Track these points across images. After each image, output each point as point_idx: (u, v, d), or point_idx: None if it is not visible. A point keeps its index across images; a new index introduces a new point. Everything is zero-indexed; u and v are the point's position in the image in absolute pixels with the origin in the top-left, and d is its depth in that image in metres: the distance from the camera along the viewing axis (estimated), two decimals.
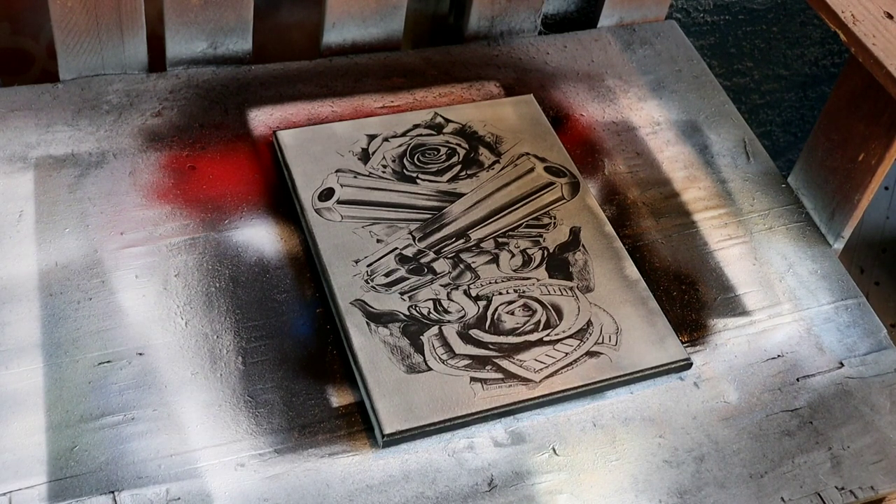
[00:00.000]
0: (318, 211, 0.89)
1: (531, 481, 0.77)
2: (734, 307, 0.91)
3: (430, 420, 0.77)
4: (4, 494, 0.70)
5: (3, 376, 0.76)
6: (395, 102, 1.02)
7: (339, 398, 0.79)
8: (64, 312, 0.80)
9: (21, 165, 0.89)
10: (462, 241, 0.89)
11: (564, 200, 0.94)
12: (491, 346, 0.82)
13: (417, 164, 0.95)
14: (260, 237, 0.88)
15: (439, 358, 0.80)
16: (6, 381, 0.75)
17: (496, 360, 0.81)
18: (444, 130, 0.99)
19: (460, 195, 0.93)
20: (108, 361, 0.78)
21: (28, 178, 0.88)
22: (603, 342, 0.84)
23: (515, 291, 0.86)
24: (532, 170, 0.97)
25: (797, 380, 0.87)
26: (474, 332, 0.83)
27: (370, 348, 0.80)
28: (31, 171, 0.89)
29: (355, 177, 0.93)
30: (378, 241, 0.88)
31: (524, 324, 0.84)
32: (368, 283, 0.84)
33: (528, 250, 0.89)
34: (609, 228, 0.93)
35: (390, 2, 1.05)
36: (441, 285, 0.85)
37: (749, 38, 1.46)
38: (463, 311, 0.84)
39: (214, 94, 0.99)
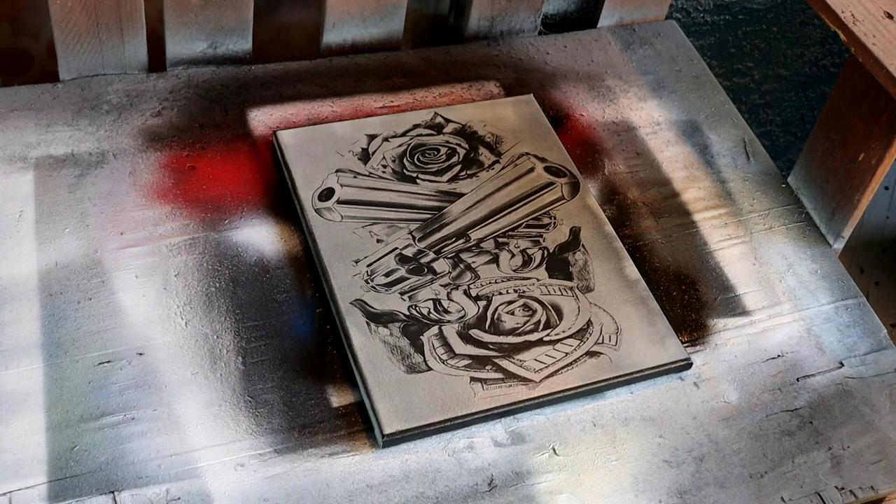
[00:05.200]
0: (318, 211, 0.89)
1: (531, 481, 0.77)
2: (734, 307, 0.91)
3: (430, 420, 0.77)
4: (4, 494, 0.70)
5: (3, 376, 0.76)
6: (395, 102, 1.02)
7: (339, 398, 0.79)
8: (64, 312, 0.80)
9: (21, 165, 0.89)
10: (462, 241, 0.89)
11: (564, 200, 0.94)
12: (491, 346, 0.82)
13: (417, 164, 0.95)
14: (260, 237, 0.88)
15: (439, 358, 0.80)
16: (6, 381, 0.75)
17: (496, 360, 0.81)
18: (444, 130, 0.99)
19: (460, 195, 0.93)
20: (108, 361, 0.78)
21: (28, 178, 0.88)
22: (603, 342, 0.84)
23: (515, 291, 0.86)
24: (532, 170, 0.97)
25: (797, 380, 0.87)
26: (474, 332, 0.83)
27: (370, 348, 0.80)
28: (31, 171, 0.89)
29: (355, 177, 0.93)
30: (378, 241, 0.88)
31: (524, 324, 0.84)
32: (368, 283, 0.84)
33: (528, 250, 0.89)
34: (609, 228, 0.93)
35: (390, 2, 1.05)
36: (441, 285, 0.85)
37: (749, 38, 1.46)
38: (463, 311, 0.84)
39: (214, 94, 0.99)
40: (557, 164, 0.97)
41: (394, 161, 0.95)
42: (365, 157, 0.94)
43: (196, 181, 0.91)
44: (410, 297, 0.84)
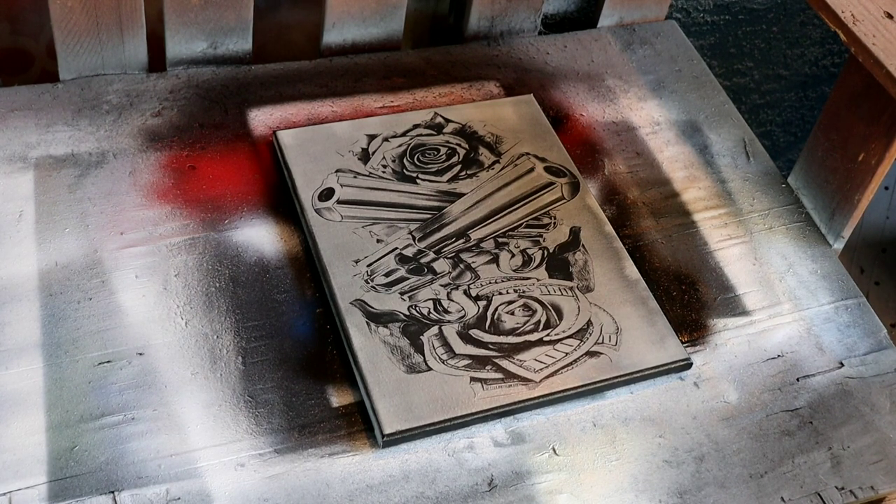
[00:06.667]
0: (318, 211, 0.89)
1: (531, 481, 0.77)
2: (734, 307, 0.91)
3: (430, 420, 0.77)
4: (4, 494, 0.70)
5: (3, 376, 0.76)
6: (395, 102, 1.02)
7: (339, 398, 0.79)
8: (64, 312, 0.80)
9: (21, 165, 0.89)
10: (462, 241, 0.89)
11: (564, 200, 0.94)
12: (491, 346, 0.82)
13: (417, 164, 0.95)
14: (260, 237, 0.88)
15: (439, 358, 0.80)
16: (6, 381, 0.75)
17: (496, 360, 0.81)
18: (444, 130, 0.99)
19: (460, 195, 0.93)
20: (108, 361, 0.78)
21: (28, 178, 0.88)
22: (603, 342, 0.84)
23: (515, 291, 0.86)
24: (532, 170, 0.97)
25: (797, 380, 0.87)
26: (474, 332, 0.83)
27: (370, 348, 0.80)
28: (31, 171, 0.89)
29: (355, 177, 0.93)
30: (378, 241, 0.88)
31: (524, 324, 0.84)
32: (368, 283, 0.84)
33: (528, 250, 0.89)
34: (609, 228, 0.93)
35: (390, 2, 1.05)
36: (441, 285, 0.85)
37: (749, 38, 1.46)
38: (463, 311, 0.84)
39: (214, 94, 0.99)
40: (557, 164, 0.97)
41: (394, 161, 0.95)
42: (365, 157, 0.94)
43: (196, 181, 0.91)
44: (410, 297, 0.84)
